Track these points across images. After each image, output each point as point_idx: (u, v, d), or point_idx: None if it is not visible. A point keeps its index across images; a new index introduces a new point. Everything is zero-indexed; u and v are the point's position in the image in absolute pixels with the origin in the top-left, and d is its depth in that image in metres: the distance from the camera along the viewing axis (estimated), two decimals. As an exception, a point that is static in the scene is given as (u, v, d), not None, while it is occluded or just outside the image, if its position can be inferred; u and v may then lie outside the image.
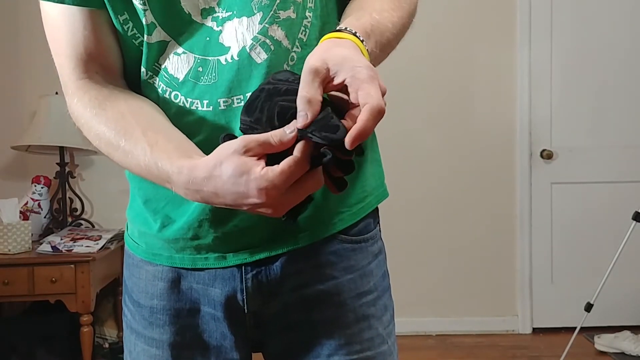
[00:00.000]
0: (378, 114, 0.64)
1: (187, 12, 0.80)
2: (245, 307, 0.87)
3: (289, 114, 0.68)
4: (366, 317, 0.90)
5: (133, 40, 0.83)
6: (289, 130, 0.67)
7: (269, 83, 0.73)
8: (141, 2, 0.79)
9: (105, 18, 0.82)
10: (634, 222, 2.68)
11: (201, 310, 0.89)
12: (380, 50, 0.79)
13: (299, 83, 0.69)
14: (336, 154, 0.67)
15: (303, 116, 0.65)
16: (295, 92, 0.68)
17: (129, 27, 0.82)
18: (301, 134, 0.66)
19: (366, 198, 0.93)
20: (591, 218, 3.38)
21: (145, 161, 0.76)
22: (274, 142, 0.67)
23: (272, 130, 0.68)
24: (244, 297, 0.87)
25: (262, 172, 0.67)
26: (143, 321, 0.91)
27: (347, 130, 0.64)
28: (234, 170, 0.68)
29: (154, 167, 0.75)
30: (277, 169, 0.66)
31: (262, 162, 0.67)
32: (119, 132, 0.78)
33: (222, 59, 0.80)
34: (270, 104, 0.70)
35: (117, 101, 0.81)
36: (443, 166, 3.39)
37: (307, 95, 0.65)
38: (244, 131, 0.72)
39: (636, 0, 3.35)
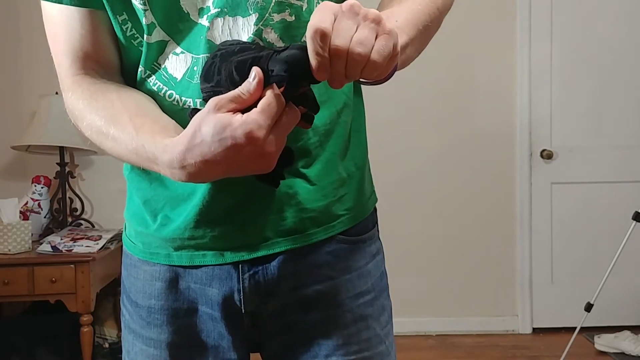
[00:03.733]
0: (314, 34, 0.64)
1: (186, 12, 0.80)
2: (243, 308, 0.87)
3: (247, 65, 0.68)
4: (364, 317, 0.90)
5: (132, 41, 0.83)
6: (251, 78, 0.67)
7: (220, 49, 0.74)
8: (141, 2, 0.79)
9: (103, 18, 0.83)
10: (634, 222, 2.67)
11: (199, 310, 0.89)
12: (418, 43, 0.81)
13: (250, 44, 0.71)
14: (293, 88, 0.69)
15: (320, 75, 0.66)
16: (248, 49, 0.69)
17: (127, 27, 0.83)
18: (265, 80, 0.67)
19: (365, 203, 0.94)
20: (591, 218, 3.38)
21: (133, 145, 0.75)
22: (244, 94, 0.67)
23: (234, 87, 0.68)
24: (241, 297, 0.87)
25: (243, 117, 0.66)
26: (141, 321, 0.92)
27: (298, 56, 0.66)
28: (215, 128, 0.67)
29: (141, 150, 0.75)
30: (255, 110, 0.67)
31: (239, 113, 0.67)
32: (108, 120, 0.78)
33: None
34: (226, 64, 0.70)
35: (109, 91, 0.82)
36: (443, 166, 3.39)
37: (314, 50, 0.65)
38: (207, 99, 0.72)
39: (636, 0, 3.35)
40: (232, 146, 0.66)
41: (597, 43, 3.35)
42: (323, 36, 0.63)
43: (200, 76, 0.75)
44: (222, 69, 0.71)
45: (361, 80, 0.72)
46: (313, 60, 0.64)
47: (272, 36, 0.80)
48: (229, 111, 0.67)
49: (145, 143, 0.74)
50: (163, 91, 0.83)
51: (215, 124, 0.67)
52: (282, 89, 0.68)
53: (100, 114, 0.79)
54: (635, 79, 3.37)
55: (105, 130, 0.78)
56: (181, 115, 0.81)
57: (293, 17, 0.81)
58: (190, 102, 0.81)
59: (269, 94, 0.67)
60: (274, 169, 0.73)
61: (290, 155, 0.78)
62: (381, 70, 0.66)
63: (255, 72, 0.67)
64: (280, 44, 0.80)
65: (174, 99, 0.82)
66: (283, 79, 0.67)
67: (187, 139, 0.69)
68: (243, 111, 0.67)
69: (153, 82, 0.83)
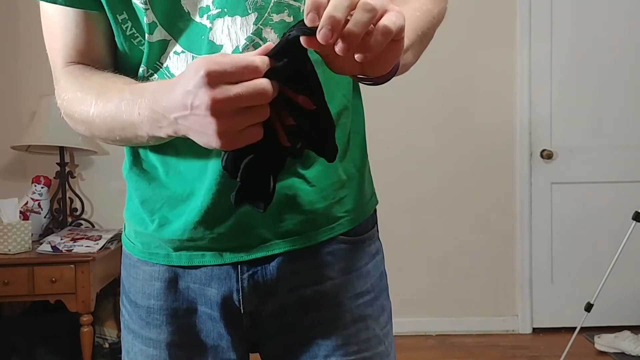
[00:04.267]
0: None
1: (187, 11, 0.80)
2: (242, 308, 0.87)
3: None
4: (363, 317, 0.90)
5: (131, 40, 0.83)
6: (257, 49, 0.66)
7: None
8: (142, 1, 0.79)
9: (98, 20, 0.83)
10: (634, 222, 2.67)
11: (198, 310, 0.89)
12: (417, 48, 0.80)
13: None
14: (290, 95, 0.66)
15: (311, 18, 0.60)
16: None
17: (127, 26, 0.83)
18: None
19: (364, 205, 0.94)
20: (591, 218, 3.38)
21: (122, 95, 0.74)
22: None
23: None
24: (240, 297, 0.87)
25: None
26: (140, 321, 0.92)
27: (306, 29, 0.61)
28: (197, 60, 0.65)
29: (128, 97, 0.73)
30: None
31: None
32: (100, 92, 0.78)
33: None
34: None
35: (102, 73, 0.82)
36: (443, 166, 3.39)
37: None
38: None
39: (636, 0, 3.35)
40: (186, 75, 0.64)
41: (597, 43, 3.34)
42: None
43: None
44: None
45: (360, 76, 0.71)
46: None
47: (271, 36, 0.80)
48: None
49: (134, 90, 0.74)
50: None
51: (201, 57, 0.66)
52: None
53: (93, 88, 0.79)
54: (635, 79, 3.37)
55: (95, 101, 0.78)
56: None
57: (291, 18, 0.81)
58: None
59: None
60: (242, 182, 0.69)
61: (266, 185, 0.72)
62: (388, 40, 0.62)
63: (264, 46, 0.66)
64: None
65: None
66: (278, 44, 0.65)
67: (178, 75, 0.69)
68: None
69: (156, 81, 0.83)
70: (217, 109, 0.62)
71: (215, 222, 0.84)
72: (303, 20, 0.62)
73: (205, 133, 0.65)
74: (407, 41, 0.75)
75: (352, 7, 0.60)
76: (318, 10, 0.60)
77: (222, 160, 0.70)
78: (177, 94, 0.65)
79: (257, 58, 0.63)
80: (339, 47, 0.60)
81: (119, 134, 0.77)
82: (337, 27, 0.59)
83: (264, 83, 0.63)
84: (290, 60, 0.65)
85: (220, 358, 0.90)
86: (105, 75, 0.82)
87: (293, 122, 0.68)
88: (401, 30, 0.62)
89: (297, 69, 0.66)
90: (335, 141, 0.72)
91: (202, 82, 0.62)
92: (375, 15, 0.60)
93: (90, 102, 0.78)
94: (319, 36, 0.60)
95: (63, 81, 0.84)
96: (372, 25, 0.61)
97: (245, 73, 0.62)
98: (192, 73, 0.63)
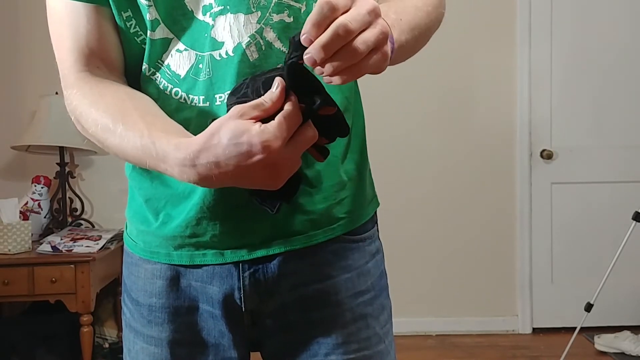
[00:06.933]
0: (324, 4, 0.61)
1: (190, 9, 0.81)
2: (243, 306, 0.88)
3: (273, 81, 0.69)
4: (363, 316, 0.90)
5: (135, 38, 0.84)
6: (274, 88, 0.68)
7: (253, 74, 0.77)
8: None
9: (108, 15, 0.83)
10: (634, 222, 2.68)
11: (199, 308, 0.89)
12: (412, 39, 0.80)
13: (280, 69, 0.71)
14: (320, 111, 0.70)
15: (305, 39, 0.62)
16: (277, 69, 0.71)
17: (131, 24, 0.83)
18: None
19: (365, 206, 0.94)
20: (591, 218, 3.38)
21: (142, 142, 0.75)
22: (266, 102, 0.68)
23: None
24: (241, 295, 0.87)
25: (261, 127, 0.67)
26: (142, 319, 0.92)
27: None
28: (233, 133, 0.68)
29: (149, 147, 0.74)
30: (273, 122, 0.67)
31: (259, 122, 0.68)
32: (116, 117, 0.78)
33: (215, 54, 0.80)
34: (254, 82, 0.72)
35: (117, 90, 0.82)
36: (443, 166, 3.39)
37: (314, 19, 0.61)
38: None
39: (636, 0, 3.35)
40: (247, 152, 0.67)
41: (597, 43, 3.35)
42: (333, 10, 0.61)
43: (229, 92, 0.76)
44: (250, 85, 0.73)
45: None
46: (306, 25, 0.62)
47: (270, 35, 0.81)
48: (250, 119, 0.68)
49: (157, 141, 0.74)
50: (169, 89, 0.83)
51: (235, 128, 0.68)
52: (302, 105, 0.69)
53: (109, 110, 0.79)
54: (635, 79, 3.37)
55: (112, 127, 0.78)
56: (190, 113, 0.81)
57: (291, 19, 0.81)
58: (196, 100, 0.82)
59: (287, 105, 0.68)
60: (277, 193, 0.75)
61: (296, 185, 0.79)
62: (362, 74, 0.65)
63: (278, 81, 0.68)
64: (278, 44, 0.81)
65: (180, 97, 0.82)
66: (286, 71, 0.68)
67: (204, 139, 0.69)
68: (263, 121, 0.69)
69: (159, 80, 0.84)
70: (281, 176, 0.71)
71: (217, 219, 0.84)
72: (294, 40, 0.65)
73: (257, 186, 0.73)
74: (405, 36, 0.77)
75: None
76: (316, 32, 0.61)
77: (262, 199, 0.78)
78: (229, 167, 0.69)
79: (292, 108, 0.68)
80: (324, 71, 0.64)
81: (142, 166, 0.79)
82: (324, 54, 0.61)
83: (311, 133, 0.70)
84: (307, 86, 0.69)
85: (221, 356, 0.90)
86: (118, 94, 0.81)
87: (326, 140, 0.74)
88: (379, 43, 0.63)
89: (314, 91, 0.69)
90: (345, 120, 0.77)
91: (266, 162, 0.68)
92: (349, 38, 0.61)
93: (106, 128, 0.78)
94: (305, 59, 0.63)
95: (76, 89, 0.83)
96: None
97: (294, 128, 0.69)
98: (247, 149, 0.67)
